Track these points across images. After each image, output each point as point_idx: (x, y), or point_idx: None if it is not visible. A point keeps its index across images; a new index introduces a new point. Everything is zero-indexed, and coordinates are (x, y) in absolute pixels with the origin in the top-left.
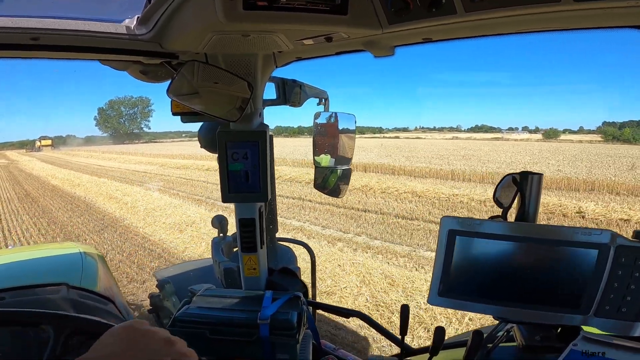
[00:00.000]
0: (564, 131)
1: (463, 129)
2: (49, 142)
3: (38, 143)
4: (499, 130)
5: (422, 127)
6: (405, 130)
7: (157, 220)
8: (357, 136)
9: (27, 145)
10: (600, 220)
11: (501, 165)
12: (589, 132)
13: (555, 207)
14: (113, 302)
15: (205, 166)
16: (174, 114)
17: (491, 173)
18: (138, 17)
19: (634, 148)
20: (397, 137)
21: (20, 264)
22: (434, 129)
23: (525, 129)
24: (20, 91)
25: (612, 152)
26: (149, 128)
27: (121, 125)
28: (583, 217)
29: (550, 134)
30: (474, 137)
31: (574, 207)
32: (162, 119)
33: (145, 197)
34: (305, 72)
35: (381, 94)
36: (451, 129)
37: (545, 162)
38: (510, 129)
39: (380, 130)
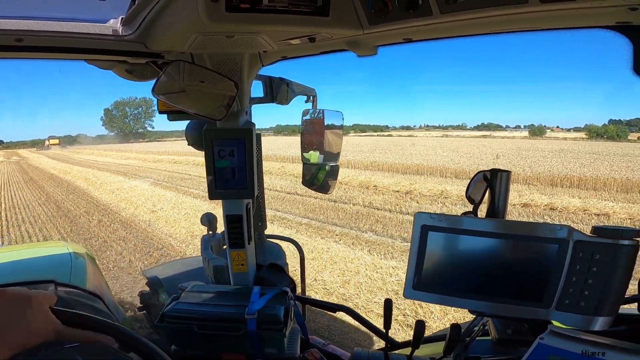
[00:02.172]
0: (570, 129)
1: (468, 127)
2: (56, 141)
3: (47, 142)
4: (504, 128)
5: (427, 125)
6: (408, 128)
7: (106, 189)
8: (356, 135)
9: (38, 144)
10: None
11: (423, 157)
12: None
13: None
14: (102, 299)
15: (174, 159)
16: (161, 112)
17: (377, 162)
18: (122, 18)
19: (604, 144)
20: (390, 135)
21: (8, 263)
22: (439, 127)
23: (530, 126)
24: (34, 91)
25: (571, 148)
26: (153, 127)
27: (126, 125)
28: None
29: (536, 132)
30: (462, 135)
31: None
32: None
33: (108, 178)
34: (306, 70)
35: (388, 92)
36: (456, 127)
37: (483, 157)
38: (518, 127)
39: (385, 128)
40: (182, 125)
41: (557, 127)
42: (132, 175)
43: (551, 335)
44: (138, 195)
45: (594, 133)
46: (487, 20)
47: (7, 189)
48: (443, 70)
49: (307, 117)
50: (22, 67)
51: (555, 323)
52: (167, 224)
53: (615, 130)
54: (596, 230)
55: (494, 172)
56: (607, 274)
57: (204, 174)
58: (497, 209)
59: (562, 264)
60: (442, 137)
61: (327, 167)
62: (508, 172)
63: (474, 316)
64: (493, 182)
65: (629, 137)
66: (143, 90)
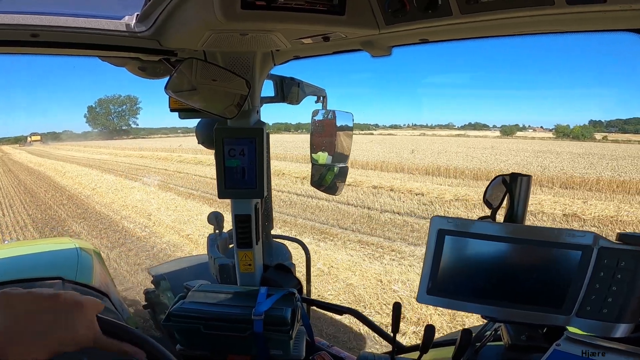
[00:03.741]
0: (552, 129)
1: (456, 127)
2: (38, 137)
3: (29, 139)
4: (491, 128)
5: (414, 125)
6: (396, 127)
7: (67, 176)
8: None
9: (21, 140)
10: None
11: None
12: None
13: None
14: (108, 296)
15: (141, 155)
16: (172, 110)
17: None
18: (137, 15)
19: (554, 143)
20: (371, 134)
21: (16, 259)
22: (426, 126)
23: (515, 126)
24: (20, 87)
25: (508, 147)
26: (137, 125)
27: (110, 122)
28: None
29: (507, 131)
30: (439, 134)
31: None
32: (156, 115)
33: (72, 168)
34: (304, 70)
35: (386, 92)
36: (442, 127)
37: (403, 151)
38: (504, 126)
39: (375, 127)
40: (168, 122)
41: (541, 127)
42: (95, 167)
43: (568, 341)
44: (89, 180)
45: (560, 133)
46: (510, 21)
47: None
48: (442, 73)
49: (317, 117)
50: (6, 62)
51: (570, 329)
52: (99, 196)
53: (580, 131)
54: (622, 237)
55: (514, 176)
56: (631, 281)
57: (164, 166)
58: (515, 214)
59: (585, 270)
60: (420, 135)
61: (335, 169)
62: (529, 177)
63: (485, 320)
64: (512, 186)
65: (595, 136)
66: (128, 88)
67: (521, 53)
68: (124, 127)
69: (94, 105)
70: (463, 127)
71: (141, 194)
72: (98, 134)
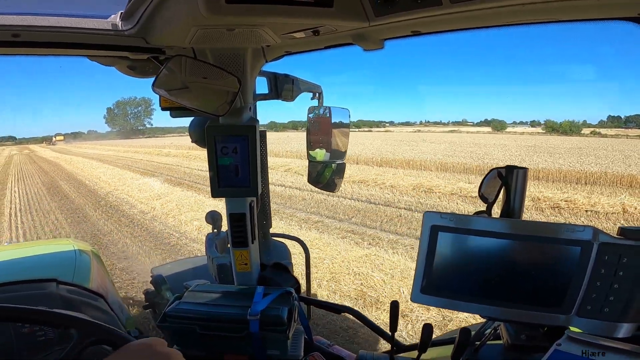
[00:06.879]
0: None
1: (470, 123)
2: (62, 137)
3: (54, 138)
4: (505, 124)
5: (427, 121)
6: (407, 124)
7: (72, 164)
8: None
9: (46, 139)
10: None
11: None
12: (590, 125)
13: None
14: (104, 298)
15: (136, 150)
16: (163, 109)
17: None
18: (122, 13)
19: (527, 138)
20: (370, 131)
21: (13, 261)
22: (440, 122)
23: (531, 122)
24: (51, 90)
25: (496, 142)
26: (151, 125)
27: (127, 122)
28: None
29: (498, 127)
30: (432, 130)
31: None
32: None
33: (78, 160)
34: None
35: (394, 89)
36: (457, 124)
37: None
38: (522, 123)
39: (391, 123)
40: (183, 122)
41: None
42: (95, 159)
43: (569, 341)
44: (83, 165)
45: (549, 128)
46: (502, 10)
47: (19, 167)
48: (454, 69)
49: (313, 114)
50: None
51: (571, 328)
52: (82, 172)
53: (569, 126)
54: (624, 231)
55: (510, 169)
56: (635, 278)
57: (143, 157)
58: (512, 209)
59: (585, 267)
60: (415, 132)
61: (333, 165)
62: (525, 170)
63: (485, 319)
64: (508, 179)
65: (582, 132)
66: (143, 90)
67: (542, 49)
68: (139, 127)
69: (112, 107)
70: (478, 124)
71: (104, 170)
72: (117, 134)
